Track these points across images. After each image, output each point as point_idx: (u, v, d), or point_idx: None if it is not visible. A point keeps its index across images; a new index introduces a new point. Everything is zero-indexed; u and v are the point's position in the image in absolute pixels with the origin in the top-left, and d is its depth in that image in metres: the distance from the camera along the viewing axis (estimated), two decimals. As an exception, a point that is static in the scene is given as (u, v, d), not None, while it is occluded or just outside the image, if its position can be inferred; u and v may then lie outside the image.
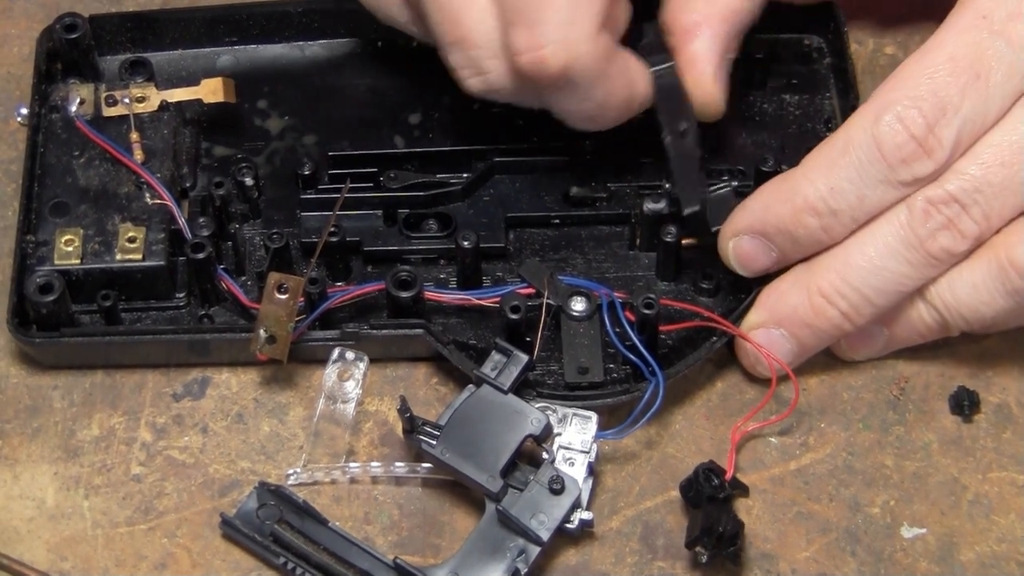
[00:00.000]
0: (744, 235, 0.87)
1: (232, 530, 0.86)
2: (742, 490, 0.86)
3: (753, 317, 0.88)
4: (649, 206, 0.92)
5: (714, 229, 0.89)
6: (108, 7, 1.03)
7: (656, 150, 0.95)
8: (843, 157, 0.84)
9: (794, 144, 0.96)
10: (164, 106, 0.95)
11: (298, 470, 0.88)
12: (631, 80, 0.88)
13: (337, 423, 0.89)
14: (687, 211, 0.89)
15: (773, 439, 0.89)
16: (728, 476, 0.84)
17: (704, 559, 0.83)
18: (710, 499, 0.83)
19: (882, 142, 0.83)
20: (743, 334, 0.88)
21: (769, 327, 0.88)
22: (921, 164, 0.83)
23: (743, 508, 0.87)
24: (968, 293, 0.85)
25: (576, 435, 0.86)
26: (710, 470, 0.84)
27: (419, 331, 0.89)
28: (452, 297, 0.91)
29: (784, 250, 0.87)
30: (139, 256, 0.90)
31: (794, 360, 0.88)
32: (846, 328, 0.86)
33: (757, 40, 0.98)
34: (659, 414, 0.87)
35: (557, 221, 0.94)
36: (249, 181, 0.94)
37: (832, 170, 0.84)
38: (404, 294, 0.89)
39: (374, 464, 0.88)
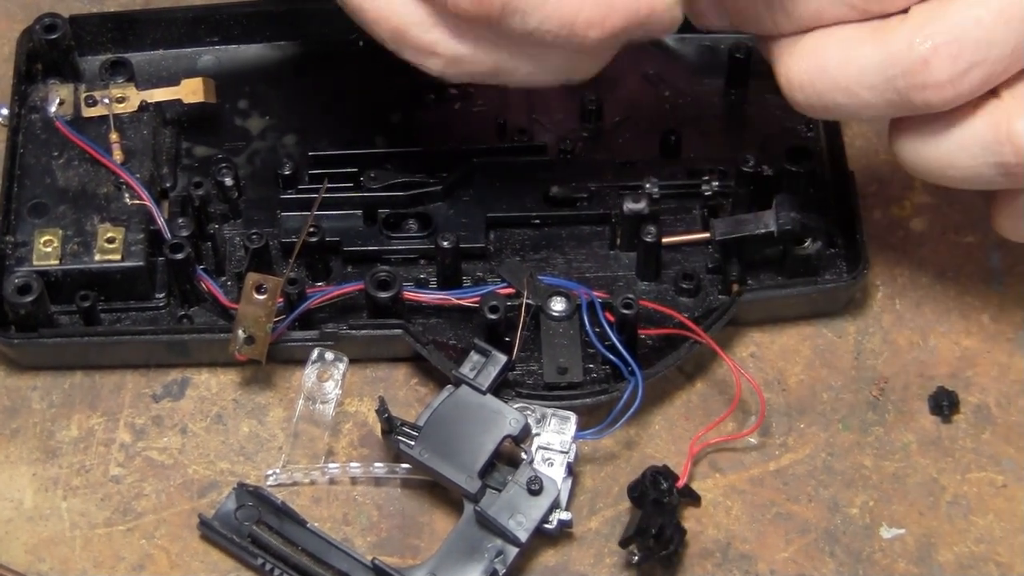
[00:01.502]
0: None
1: (210, 531, 0.86)
2: (692, 499, 0.85)
3: None
4: (629, 206, 0.91)
5: None
6: (89, 7, 1.03)
7: (636, 150, 0.96)
8: None
9: (776, 144, 0.95)
10: (144, 106, 0.95)
11: (277, 471, 0.88)
12: None
13: (316, 424, 0.89)
14: None
15: (752, 439, 0.89)
16: (680, 483, 0.84)
17: (636, 559, 0.83)
18: (654, 502, 0.83)
19: None
20: (716, 347, 0.88)
21: None
22: None
23: (722, 509, 0.87)
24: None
25: (555, 435, 0.86)
26: (659, 473, 0.84)
27: (398, 331, 0.89)
28: (432, 297, 0.91)
29: None
30: (118, 256, 0.90)
31: None
32: None
33: (739, 41, 0.98)
34: (638, 414, 0.87)
35: (537, 221, 0.94)
36: (229, 181, 0.93)
37: None
38: (383, 294, 0.89)
39: (353, 465, 0.88)
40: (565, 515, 0.85)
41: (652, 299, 0.90)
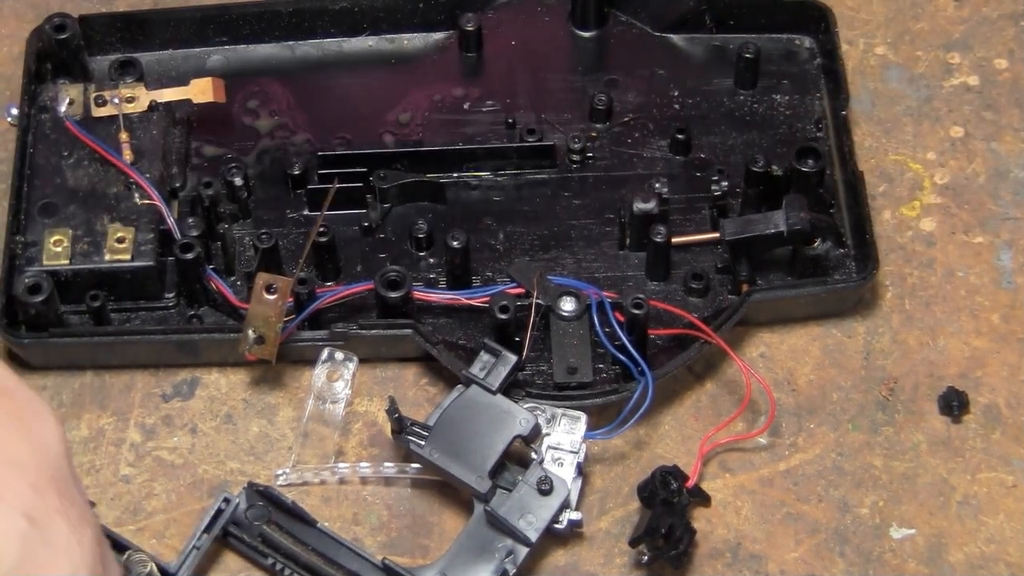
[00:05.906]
0: None
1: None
2: (702, 499, 0.85)
3: None
4: (639, 206, 0.91)
5: None
6: (98, 7, 1.03)
7: (645, 150, 0.96)
8: None
9: (784, 144, 0.96)
10: (154, 106, 0.95)
11: (287, 471, 0.88)
12: None
13: (326, 424, 0.89)
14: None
15: (762, 439, 0.89)
16: (690, 484, 0.84)
17: (645, 559, 0.84)
18: (663, 502, 0.83)
19: None
20: (726, 347, 0.88)
21: None
22: None
23: (732, 509, 0.87)
24: None
25: (565, 435, 0.86)
26: (669, 473, 0.84)
27: (408, 331, 0.89)
28: (441, 297, 0.91)
29: None
30: (128, 256, 0.90)
31: None
32: None
33: (747, 40, 0.98)
34: (648, 414, 0.87)
35: None
36: (239, 181, 0.94)
37: None
38: (393, 294, 0.89)
39: (363, 465, 0.88)
40: (575, 515, 0.85)
41: (661, 299, 0.90)
